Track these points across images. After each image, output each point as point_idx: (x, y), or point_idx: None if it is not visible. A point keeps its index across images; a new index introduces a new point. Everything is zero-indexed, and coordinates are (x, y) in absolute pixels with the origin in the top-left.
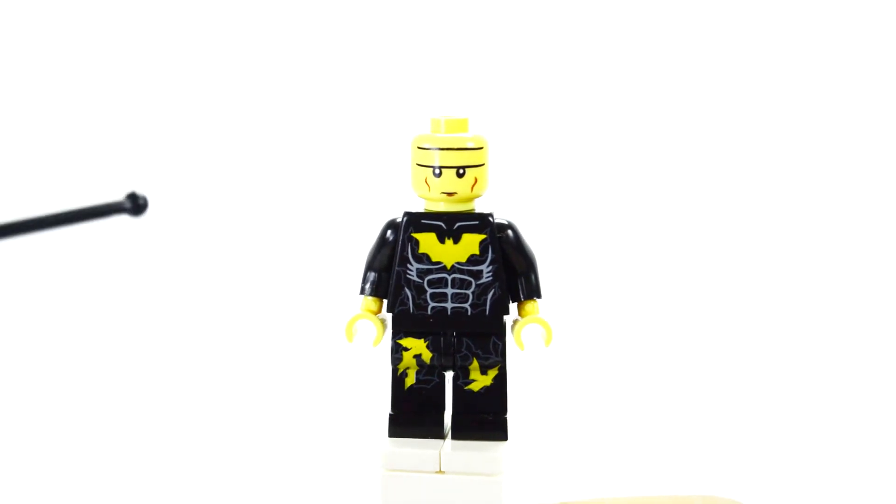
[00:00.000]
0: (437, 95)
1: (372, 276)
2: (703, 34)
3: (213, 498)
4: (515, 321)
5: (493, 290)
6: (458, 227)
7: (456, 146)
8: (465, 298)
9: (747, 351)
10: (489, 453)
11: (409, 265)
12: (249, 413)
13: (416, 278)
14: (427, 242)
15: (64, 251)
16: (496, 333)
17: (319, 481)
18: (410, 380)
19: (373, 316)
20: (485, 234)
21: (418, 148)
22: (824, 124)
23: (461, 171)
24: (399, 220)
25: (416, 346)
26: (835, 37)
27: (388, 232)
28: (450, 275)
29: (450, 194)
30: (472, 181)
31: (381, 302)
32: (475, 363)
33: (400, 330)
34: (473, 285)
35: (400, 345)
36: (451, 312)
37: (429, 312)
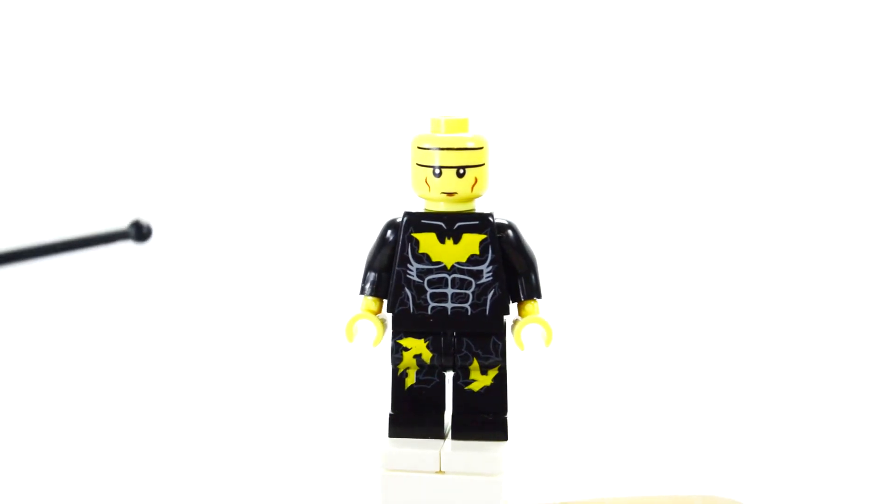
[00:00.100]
0: (437, 95)
1: (372, 276)
2: (702, 34)
3: (214, 498)
4: (515, 321)
5: (493, 290)
6: (459, 227)
7: (456, 146)
8: (465, 298)
9: (747, 351)
10: (489, 453)
11: (409, 265)
12: (250, 413)
13: (416, 278)
14: (427, 242)
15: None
16: (496, 333)
17: (319, 481)
18: (410, 380)
19: (373, 316)
20: (485, 234)
21: (418, 148)
22: (824, 124)
23: (461, 170)
24: (399, 220)
25: (417, 346)
26: (835, 37)
27: (389, 232)
28: (450, 275)
29: (450, 194)
30: (473, 181)
31: (382, 302)
32: (475, 363)
33: (400, 330)
34: (473, 285)
35: (400, 345)
36: (452, 312)
37: (429, 312)
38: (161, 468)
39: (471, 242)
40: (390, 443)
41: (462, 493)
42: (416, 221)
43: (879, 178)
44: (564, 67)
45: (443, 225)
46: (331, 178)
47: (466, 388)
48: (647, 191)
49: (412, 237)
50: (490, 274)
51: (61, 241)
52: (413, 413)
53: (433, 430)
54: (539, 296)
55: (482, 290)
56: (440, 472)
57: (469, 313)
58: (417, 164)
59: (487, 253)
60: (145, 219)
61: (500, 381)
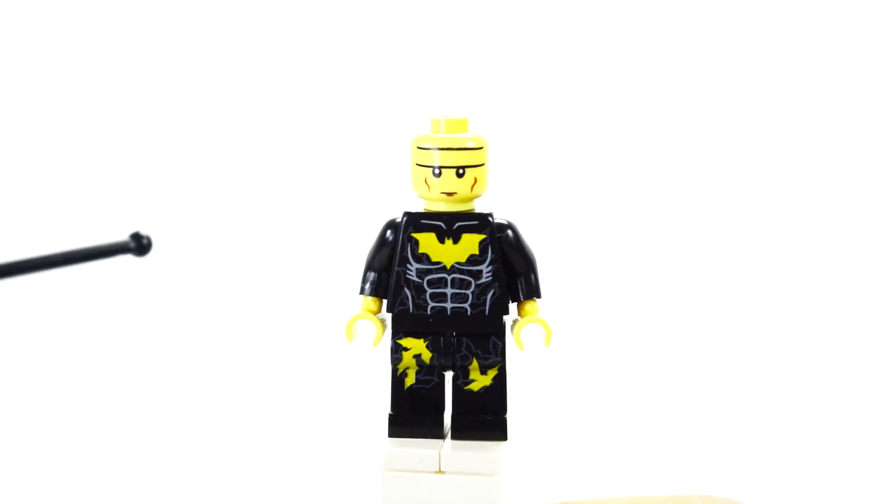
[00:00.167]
0: (437, 95)
1: (372, 275)
2: (702, 34)
3: (214, 498)
4: (515, 321)
5: (492, 290)
6: (458, 227)
7: (456, 146)
8: (464, 298)
9: (747, 351)
10: (489, 453)
11: (408, 265)
12: (250, 413)
13: (415, 278)
14: (427, 242)
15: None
16: (496, 333)
17: (319, 481)
18: (410, 380)
19: (372, 316)
20: (484, 234)
21: (418, 148)
22: (824, 124)
23: (461, 171)
24: (399, 220)
25: (416, 346)
26: (835, 37)
27: (388, 232)
28: (449, 275)
29: (449, 194)
30: (472, 181)
31: (381, 302)
32: (475, 363)
33: (399, 330)
34: (473, 285)
35: (400, 345)
36: (451, 312)
37: (428, 312)
38: (162, 468)
39: (470, 242)
40: (390, 443)
41: (462, 493)
42: (416, 221)
43: (879, 178)
44: (564, 67)
45: (442, 225)
46: (331, 178)
47: (466, 388)
48: (647, 191)
49: (412, 237)
50: (489, 274)
51: (59, 253)
52: (413, 413)
53: (433, 430)
54: (539, 296)
55: (482, 290)
56: (440, 472)
57: (468, 313)
58: (417, 164)
59: (487, 253)
60: (145, 230)
61: (500, 381)
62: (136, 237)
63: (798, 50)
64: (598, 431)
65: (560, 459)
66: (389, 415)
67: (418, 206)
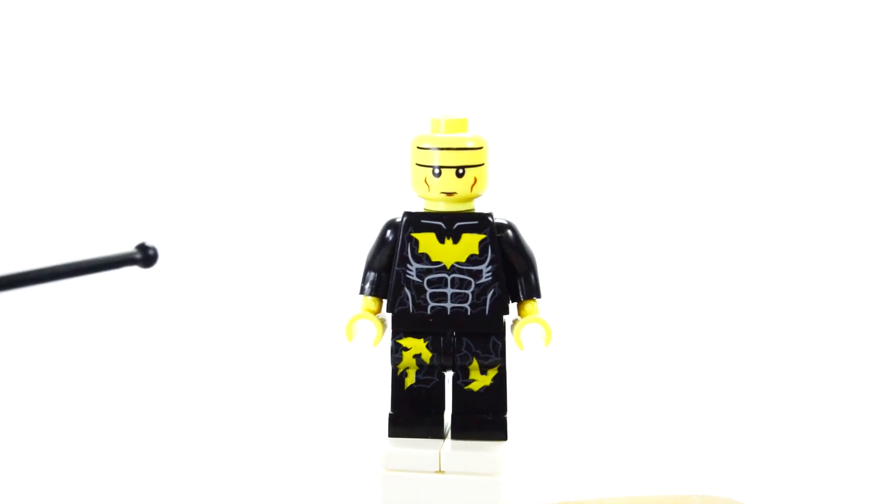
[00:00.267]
0: (437, 95)
1: (372, 275)
2: (702, 34)
3: (214, 498)
4: (515, 321)
5: (492, 290)
6: (458, 226)
7: (455, 146)
8: (464, 298)
9: (747, 351)
10: (489, 453)
11: (408, 265)
12: (250, 413)
13: (415, 278)
14: (427, 242)
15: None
16: (496, 333)
17: (319, 481)
18: (410, 380)
19: (372, 316)
20: (484, 233)
21: (418, 148)
22: (824, 124)
23: (461, 170)
24: (399, 219)
25: (416, 346)
26: (835, 37)
27: (388, 232)
28: (449, 275)
29: (449, 194)
30: (472, 181)
31: (381, 302)
32: (475, 363)
33: (400, 330)
34: (473, 285)
35: (400, 345)
36: (451, 312)
37: (428, 312)
38: (163, 469)
39: (470, 242)
40: (390, 443)
41: (462, 493)
42: (416, 221)
43: (879, 178)
44: (564, 67)
45: (442, 225)
46: (331, 179)
47: (466, 387)
48: (647, 191)
49: (412, 237)
50: (489, 274)
51: (65, 265)
52: (413, 413)
53: (433, 429)
54: (538, 296)
55: (482, 290)
56: (440, 471)
57: (468, 313)
58: (417, 164)
59: (487, 253)
60: (150, 241)
61: (500, 381)
62: (142, 248)
63: (798, 50)
64: (598, 431)
65: (560, 459)
66: (389, 415)
67: (418, 206)
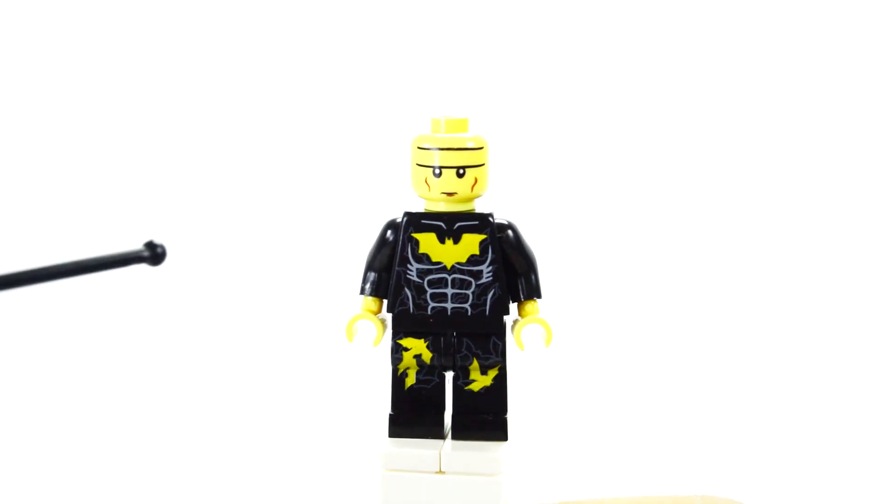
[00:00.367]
0: (437, 95)
1: (372, 276)
2: (702, 34)
3: (214, 498)
4: (515, 321)
5: (493, 291)
6: (458, 227)
7: (456, 146)
8: (465, 298)
9: (747, 351)
10: (489, 453)
11: (409, 265)
12: (250, 413)
13: (416, 278)
14: (427, 242)
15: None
16: (496, 333)
17: (319, 481)
18: (410, 380)
19: (373, 316)
20: (485, 234)
21: (418, 148)
22: (824, 125)
23: (461, 171)
24: (399, 220)
25: (417, 347)
26: (835, 37)
27: (388, 232)
28: (450, 275)
29: (450, 194)
30: (472, 181)
31: (382, 302)
32: (475, 363)
33: (400, 330)
34: (473, 285)
35: (400, 345)
36: (451, 312)
37: (429, 312)
38: (164, 468)
39: (471, 242)
40: (390, 443)
41: (462, 494)
42: (416, 221)
43: (879, 178)
44: (564, 67)
45: (443, 225)
46: (331, 179)
47: (466, 388)
48: (648, 191)
49: (412, 237)
50: (490, 274)
51: (74, 262)
52: (413, 413)
53: (433, 430)
54: (539, 296)
55: (482, 291)
56: (440, 472)
57: (469, 313)
58: (417, 164)
59: (487, 253)
60: (158, 239)
61: (500, 382)
62: (151, 246)
63: (798, 50)
64: (598, 431)
65: (560, 459)
66: (390, 415)
67: (419, 206)
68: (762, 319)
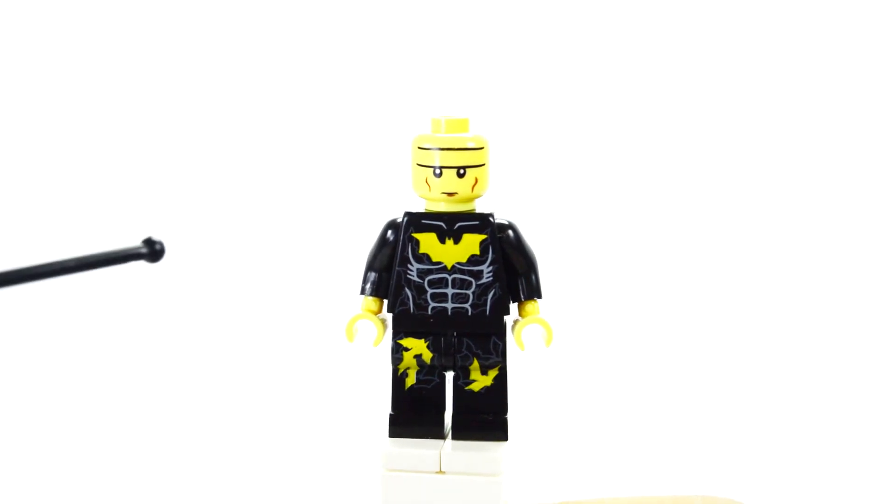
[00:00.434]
0: (437, 95)
1: (372, 276)
2: (702, 34)
3: (214, 498)
4: (516, 321)
5: (493, 291)
6: (459, 227)
7: (456, 146)
8: (465, 298)
9: (747, 351)
10: (489, 453)
11: (409, 265)
12: (250, 413)
13: (416, 278)
14: (427, 242)
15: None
16: (496, 333)
17: (319, 481)
18: (411, 380)
19: (373, 316)
20: (485, 234)
21: (419, 148)
22: (824, 125)
23: (462, 171)
24: (399, 220)
25: (417, 347)
26: (835, 37)
27: (389, 232)
28: (450, 275)
29: (450, 194)
30: (473, 181)
31: (382, 302)
32: (475, 363)
33: (400, 330)
34: (474, 285)
35: (400, 345)
36: (452, 312)
37: (429, 312)
38: (164, 468)
39: (471, 242)
40: (390, 443)
41: (462, 493)
42: (417, 221)
43: (879, 178)
44: (564, 67)
45: (443, 225)
46: (331, 179)
47: (467, 388)
48: (648, 191)
49: (412, 237)
50: (490, 274)
51: (71, 259)
52: (413, 413)
53: (433, 430)
54: (539, 296)
55: (482, 291)
56: (440, 472)
57: (469, 313)
58: (418, 165)
59: (488, 253)
60: (157, 237)
61: (501, 382)
62: (149, 243)
63: (798, 50)
64: (598, 431)
65: (560, 459)
66: (390, 415)
67: (419, 207)
68: (762, 319)
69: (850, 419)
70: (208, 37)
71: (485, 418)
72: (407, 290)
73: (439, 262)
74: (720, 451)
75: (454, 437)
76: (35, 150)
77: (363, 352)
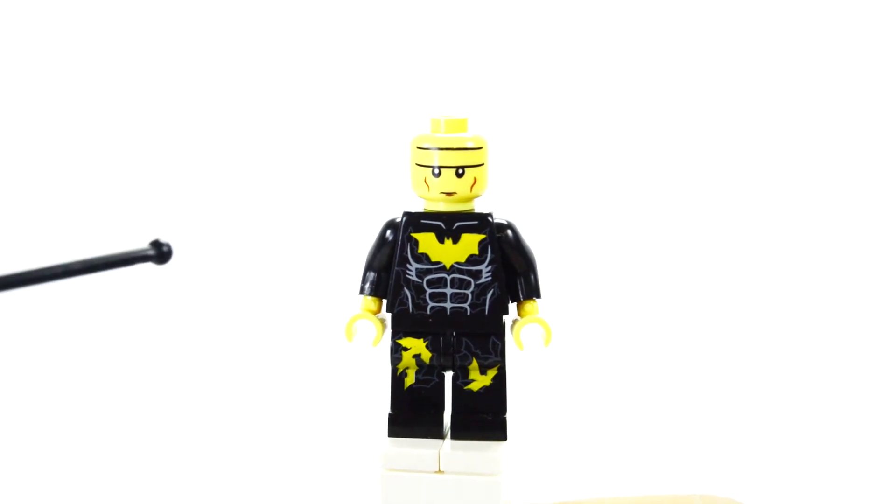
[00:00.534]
0: (436, 95)
1: (371, 275)
2: (702, 34)
3: (214, 498)
4: (515, 321)
5: (492, 290)
6: (458, 226)
7: (455, 146)
8: (464, 298)
9: (747, 351)
10: (489, 453)
11: (408, 265)
12: (251, 413)
13: (415, 278)
14: (426, 242)
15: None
16: (495, 333)
17: (319, 481)
18: (410, 380)
19: (372, 316)
20: (484, 233)
21: (418, 148)
22: (824, 125)
23: (460, 170)
24: (398, 219)
25: (416, 346)
26: (835, 37)
27: (388, 232)
28: (449, 275)
29: (449, 194)
30: (472, 181)
31: (381, 302)
32: (474, 363)
33: (399, 330)
34: (472, 285)
35: (399, 345)
36: (451, 312)
37: (428, 312)
38: (163, 467)
39: (470, 242)
40: (390, 443)
41: (461, 493)
42: (416, 221)
43: (879, 178)
44: (564, 67)
45: (442, 225)
46: (331, 179)
47: (466, 387)
48: (647, 191)
49: (411, 237)
50: (489, 274)
51: (79, 261)
52: (412, 413)
53: (432, 429)
54: (538, 296)
55: (481, 290)
56: (439, 471)
57: (468, 313)
58: (417, 164)
59: (486, 253)
60: (164, 238)
61: (500, 381)
62: (157, 245)
63: (798, 50)
64: (598, 431)
65: (560, 459)
66: (389, 415)
67: (418, 206)
68: (761, 319)
69: (850, 419)
70: (211, 40)
71: (484, 418)
72: (406, 290)
73: (438, 262)
74: (720, 451)
75: (453, 437)
76: (42, 152)
77: (362, 351)
